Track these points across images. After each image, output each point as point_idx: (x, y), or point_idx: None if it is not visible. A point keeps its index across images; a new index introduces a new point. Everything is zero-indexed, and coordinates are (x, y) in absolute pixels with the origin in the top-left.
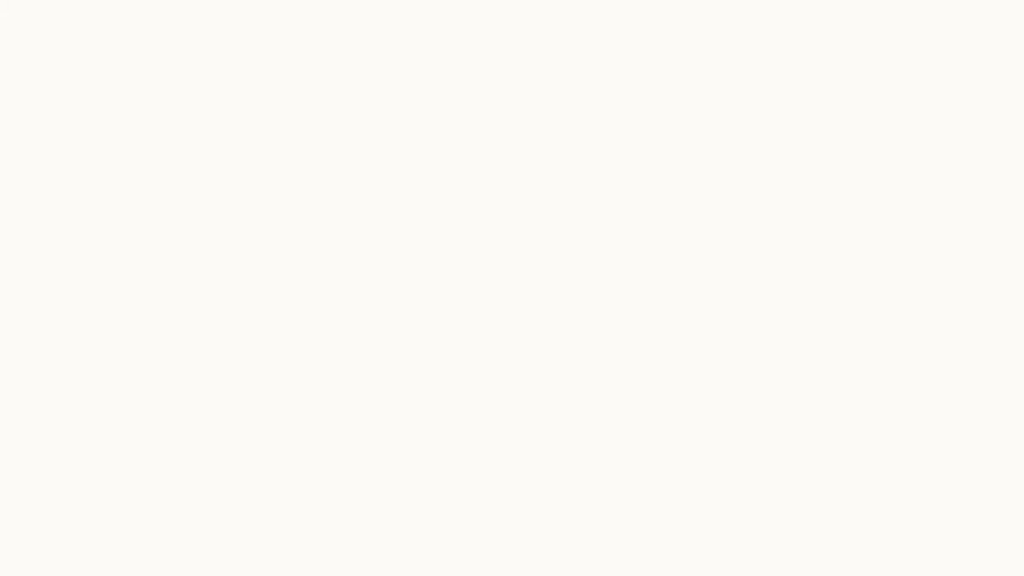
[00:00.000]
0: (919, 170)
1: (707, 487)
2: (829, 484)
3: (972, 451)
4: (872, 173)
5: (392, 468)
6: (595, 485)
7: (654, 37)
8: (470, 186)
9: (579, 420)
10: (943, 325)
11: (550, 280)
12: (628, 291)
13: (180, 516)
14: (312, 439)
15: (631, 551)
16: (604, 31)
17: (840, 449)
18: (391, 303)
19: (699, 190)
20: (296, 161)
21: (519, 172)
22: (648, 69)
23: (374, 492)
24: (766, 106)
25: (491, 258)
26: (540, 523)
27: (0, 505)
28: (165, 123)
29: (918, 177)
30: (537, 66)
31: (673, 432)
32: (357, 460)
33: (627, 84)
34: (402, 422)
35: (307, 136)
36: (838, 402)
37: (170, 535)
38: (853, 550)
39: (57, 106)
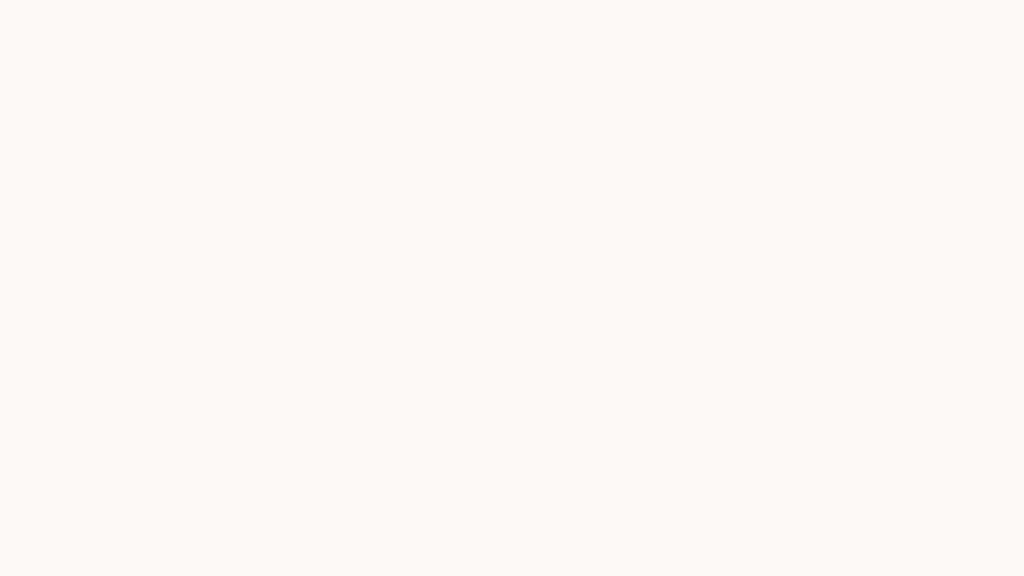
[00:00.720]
0: (919, 170)
1: (707, 487)
2: (829, 484)
3: (972, 451)
4: (872, 173)
5: (392, 468)
6: (595, 485)
7: (654, 37)
8: (470, 186)
9: (579, 420)
10: (944, 325)
11: (550, 280)
12: (629, 291)
13: (180, 516)
14: (312, 439)
15: (630, 551)
16: (604, 31)
17: (840, 449)
18: (391, 303)
19: (699, 190)
20: (296, 161)
21: (519, 172)
22: (648, 69)
23: (374, 492)
24: (766, 106)
25: (491, 258)
26: (540, 523)
27: (1, 505)
28: (165, 123)
29: (918, 177)
30: (537, 66)
31: (673, 432)
32: (357, 460)
33: (627, 84)
34: (402, 422)
35: (307, 136)
36: (838, 402)
37: (170, 535)
38: (853, 550)
39: (57, 106)
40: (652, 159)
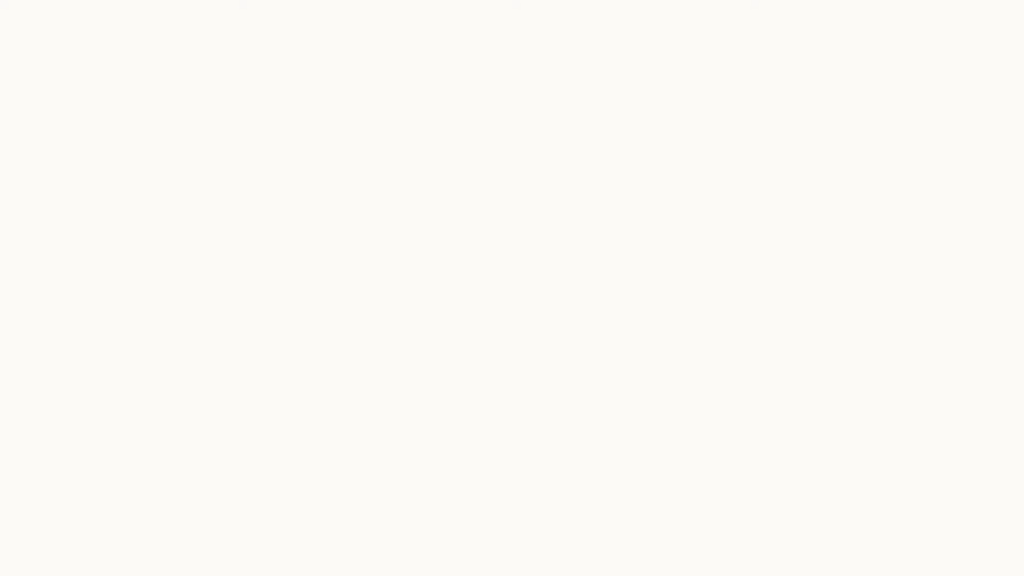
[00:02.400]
0: (920, 171)
1: (708, 488)
2: (830, 485)
3: (972, 452)
4: (873, 174)
5: (393, 469)
6: (596, 486)
7: (654, 37)
8: (470, 186)
9: (580, 421)
10: (945, 326)
11: (551, 281)
12: (630, 292)
13: (181, 516)
14: (313, 440)
15: (631, 551)
16: (604, 31)
17: (841, 450)
18: (392, 304)
19: (700, 191)
20: (296, 161)
21: (519, 173)
22: (648, 69)
23: (374, 493)
24: (766, 107)
25: (491, 259)
26: (540, 524)
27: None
28: (165, 123)
29: (919, 178)
30: (537, 66)
31: (674, 433)
32: (357, 461)
33: (627, 84)
34: (403, 423)
35: (307, 136)
36: (840, 403)
37: (171, 535)
38: (853, 550)
39: (57, 106)
40: (652, 159)
